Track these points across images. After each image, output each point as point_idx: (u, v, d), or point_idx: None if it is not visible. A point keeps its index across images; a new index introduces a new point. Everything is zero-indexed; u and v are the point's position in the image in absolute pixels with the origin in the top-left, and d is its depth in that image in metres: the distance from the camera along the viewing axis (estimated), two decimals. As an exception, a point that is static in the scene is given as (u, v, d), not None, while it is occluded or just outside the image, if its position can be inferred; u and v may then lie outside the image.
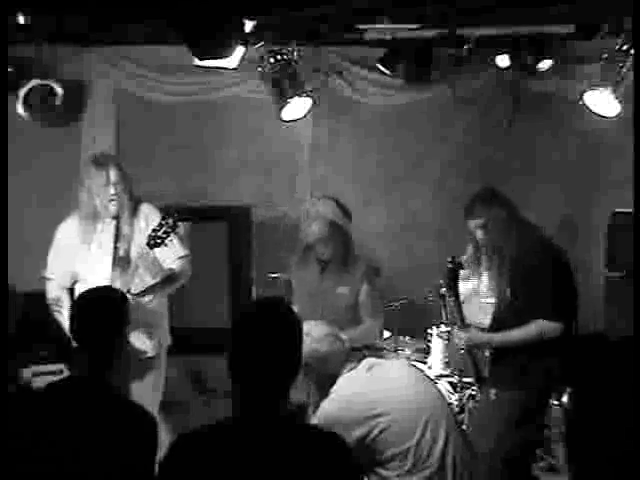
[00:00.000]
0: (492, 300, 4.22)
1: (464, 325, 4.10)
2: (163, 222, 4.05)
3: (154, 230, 4.04)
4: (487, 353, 4.18)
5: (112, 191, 4.21)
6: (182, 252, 4.30)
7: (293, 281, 4.68)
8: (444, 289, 4.22)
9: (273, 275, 5.34)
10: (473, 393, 4.98)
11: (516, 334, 3.85)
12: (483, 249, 4.03)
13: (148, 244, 4.04)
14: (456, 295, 4.11)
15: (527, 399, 3.82)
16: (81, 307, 3.03)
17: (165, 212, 4.18)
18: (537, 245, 3.93)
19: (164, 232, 4.03)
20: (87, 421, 2.73)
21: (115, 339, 2.95)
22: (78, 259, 4.33)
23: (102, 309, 2.97)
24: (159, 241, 4.03)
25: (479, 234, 4.00)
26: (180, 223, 4.11)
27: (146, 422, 2.82)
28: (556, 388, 4.19)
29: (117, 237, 4.30)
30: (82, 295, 3.19)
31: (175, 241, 4.14)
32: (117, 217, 4.29)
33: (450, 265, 4.05)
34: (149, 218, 4.32)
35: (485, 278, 4.45)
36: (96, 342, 2.90)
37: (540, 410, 3.95)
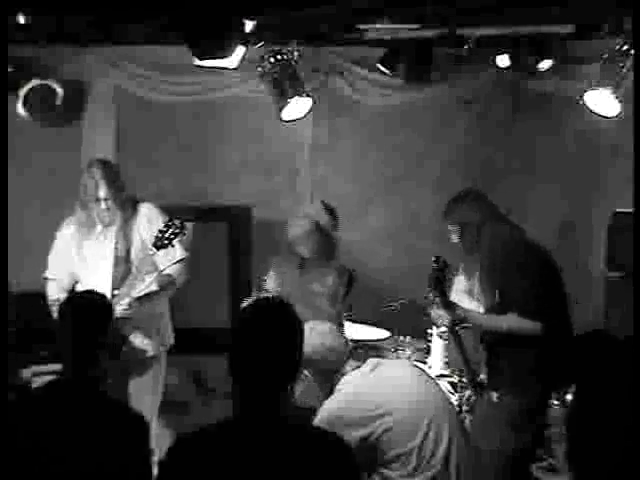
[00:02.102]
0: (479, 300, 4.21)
1: (446, 305, 4.00)
2: (170, 223, 4.04)
3: (161, 231, 4.03)
4: (482, 355, 4.16)
5: (103, 206, 4.20)
6: (180, 255, 4.27)
7: (273, 278, 4.68)
8: (429, 289, 4.12)
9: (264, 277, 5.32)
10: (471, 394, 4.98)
11: (489, 318, 3.86)
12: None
13: (155, 245, 4.03)
14: (442, 294, 4.03)
15: (529, 401, 3.82)
16: (60, 312, 3.02)
17: (170, 213, 4.19)
18: (513, 245, 3.91)
19: (172, 233, 4.02)
20: (72, 423, 2.72)
21: (94, 344, 2.91)
22: (77, 261, 4.32)
23: (80, 315, 2.95)
24: (166, 242, 4.02)
25: (453, 237, 4.01)
26: (187, 224, 4.11)
27: (134, 422, 2.81)
28: (557, 388, 4.17)
29: (117, 239, 4.30)
30: (65, 300, 3.18)
31: (175, 242, 4.14)
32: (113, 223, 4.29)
33: (435, 265, 3.98)
34: (151, 218, 4.31)
35: (473, 279, 4.42)
36: (75, 346, 2.88)
37: (541, 411, 3.94)
